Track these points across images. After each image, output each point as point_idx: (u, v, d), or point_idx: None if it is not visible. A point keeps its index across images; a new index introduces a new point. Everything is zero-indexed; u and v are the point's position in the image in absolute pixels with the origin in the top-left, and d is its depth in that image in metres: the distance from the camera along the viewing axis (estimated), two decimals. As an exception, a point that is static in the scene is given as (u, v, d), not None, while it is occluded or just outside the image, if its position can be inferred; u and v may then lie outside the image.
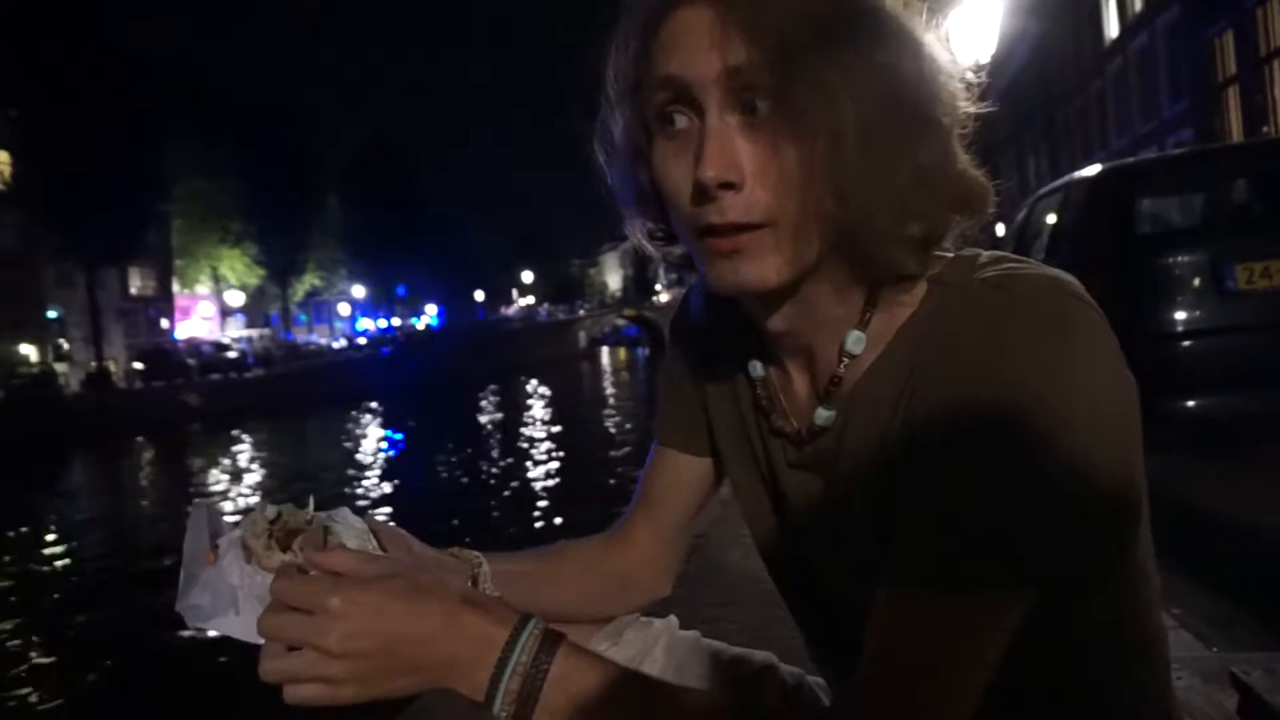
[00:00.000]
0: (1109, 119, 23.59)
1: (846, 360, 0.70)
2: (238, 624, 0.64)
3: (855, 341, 0.69)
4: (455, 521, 10.48)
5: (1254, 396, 4.06)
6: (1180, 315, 4.03)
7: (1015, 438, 0.56)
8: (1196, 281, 4.05)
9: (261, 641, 0.62)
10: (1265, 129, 14.85)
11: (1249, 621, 2.53)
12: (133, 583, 9.24)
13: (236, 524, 0.69)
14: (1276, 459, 4.51)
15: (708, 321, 0.86)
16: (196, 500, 0.71)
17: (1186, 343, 4.02)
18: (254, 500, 14.22)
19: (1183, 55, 18.18)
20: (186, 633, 6.36)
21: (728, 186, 0.61)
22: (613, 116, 0.71)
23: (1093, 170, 5.03)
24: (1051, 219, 5.22)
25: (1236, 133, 15.96)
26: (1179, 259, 4.08)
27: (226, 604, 0.65)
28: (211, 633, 0.66)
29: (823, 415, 0.72)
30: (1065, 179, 5.43)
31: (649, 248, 0.76)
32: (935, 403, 0.61)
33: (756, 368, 0.79)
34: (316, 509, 0.71)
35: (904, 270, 0.65)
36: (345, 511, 0.72)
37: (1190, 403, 3.97)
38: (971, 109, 0.66)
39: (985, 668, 0.59)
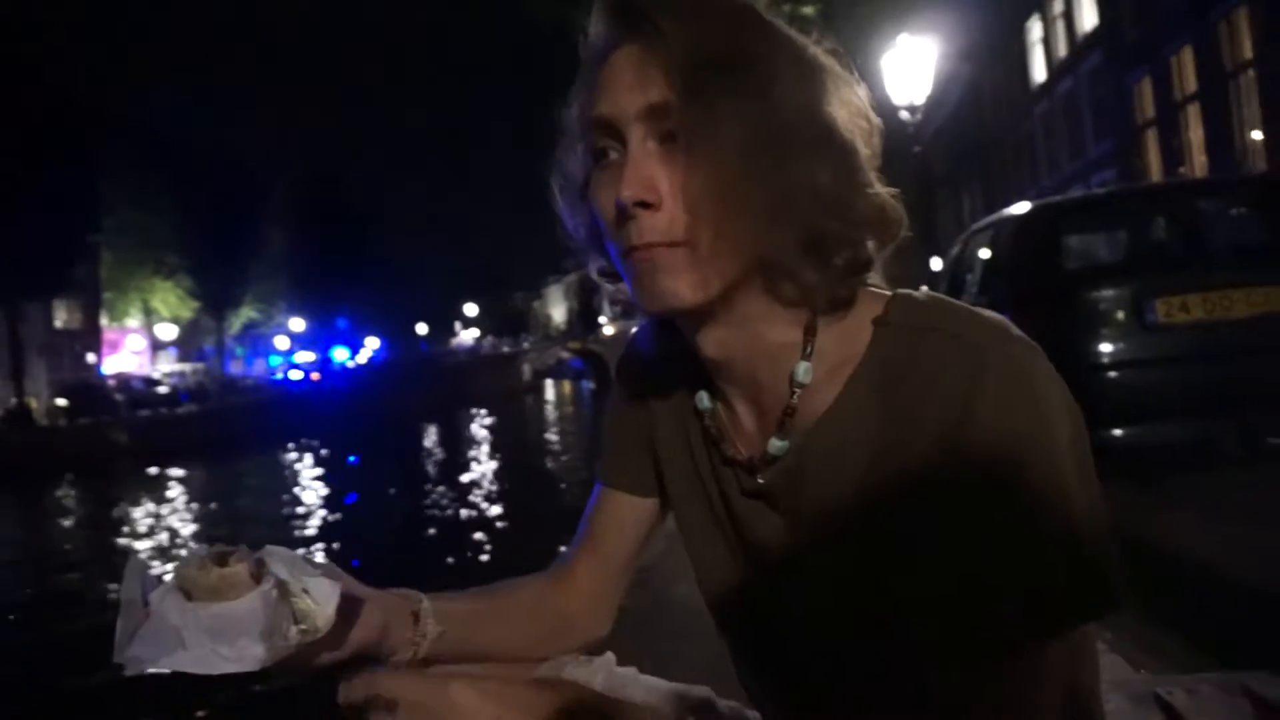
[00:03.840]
0: (1039, 158, 24.52)
1: (798, 390, 0.71)
2: (187, 658, 0.64)
3: (805, 372, 0.70)
4: (399, 560, 10.26)
5: (1177, 426, 4.22)
6: (1106, 348, 4.17)
7: (1026, 486, 0.59)
8: (1120, 315, 4.21)
9: (220, 670, 0.62)
10: (1182, 169, 15.59)
11: (1176, 644, 2.60)
12: (43, 626, 8.82)
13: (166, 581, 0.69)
14: (1200, 487, 4.68)
15: (655, 357, 0.87)
16: (132, 555, 0.71)
17: (1112, 374, 4.16)
18: (181, 540, 13.71)
19: (1105, 99, 19.04)
20: (98, 679, 6.08)
21: (644, 205, 0.66)
22: (567, 154, 0.76)
23: (1022, 208, 5.22)
24: (985, 254, 5.39)
25: (1155, 172, 16.73)
26: (1103, 293, 4.23)
27: (172, 644, 0.65)
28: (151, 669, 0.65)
29: (776, 445, 0.73)
30: (997, 215, 5.61)
31: (606, 285, 0.79)
32: (929, 456, 0.62)
33: (703, 399, 0.80)
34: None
35: (828, 292, 0.68)
36: (270, 547, 0.71)
37: (1117, 432, 4.11)
38: (878, 142, 0.71)
39: (1054, 710, 0.62)
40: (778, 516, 0.74)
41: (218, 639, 0.64)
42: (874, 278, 0.72)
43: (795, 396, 0.71)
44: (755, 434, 0.76)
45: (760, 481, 0.75)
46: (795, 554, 0.72)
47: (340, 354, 67.56)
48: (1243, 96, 13.70)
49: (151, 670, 0.64)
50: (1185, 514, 4.09)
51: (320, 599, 0.67)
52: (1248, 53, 13.42)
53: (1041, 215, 4.97)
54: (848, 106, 0.70)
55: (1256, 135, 13.37)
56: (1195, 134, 15.35)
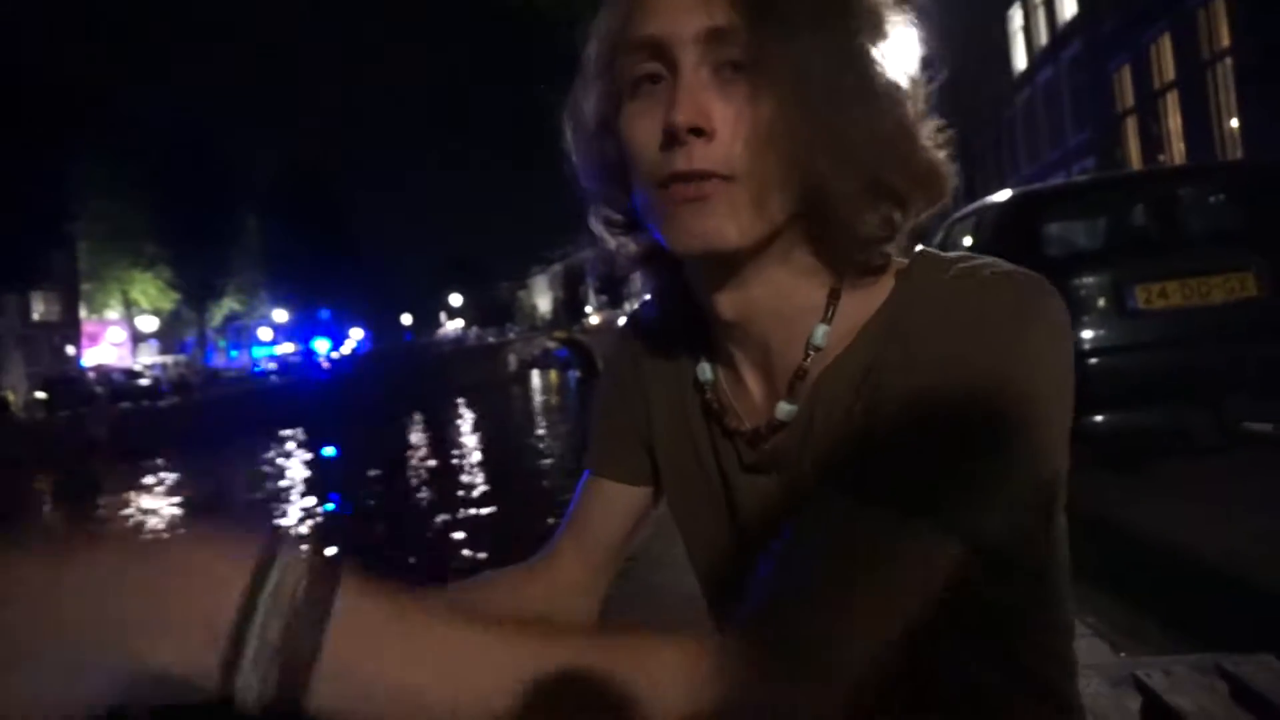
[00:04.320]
0: (1020, 146, 24.64)
1: (812, 354, 0.68)
2: None
3: (823, 336, 0.68)
4: (382, 554, 10.23)
5: (1156, 411, 4.27)
6: (1087, 334, 4.21)
7: (983, 404, 0.58)
8: (1101, 302, 4.25)
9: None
10: (1161, 157, 15.71)
11: (1153, 627, 2.64)
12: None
13: None
14: (1178, 471, 4.74)
15: (654, 334, 0.84)
16: None
17: (1093, 360, 4.20)
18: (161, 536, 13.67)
19: (1086, 87, 19.14)
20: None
21: (698, 133, 0.61)
22: (585, 92, 0.70)
23: (1004, 195, 5.24)
24: (967, 241, 5.41)
25: (1135, 160, 16.85)
26: (1084, 280, 4.27)
27: None
28: None
29: (784, 409, 0.70)
30: (979, 203, 5.64)
31: (608, 238, 0.75)
32: (900, 387, 0.61)
33: (705, 370, 0.77)
34: None
35: (865, 254, 0.65)
36: None
37: (1097, 418, 4.15)
38: (929, 96, 0.68)
39: (903, 613, 0.56)
40: (779, 488, 0.72)
41: None
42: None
43: (809, 359, 0.68)
44: (762, 401, 0.73)
45: (766, 448, 0.72)
46: (796, 514, 0.69)
47: (321, 345, 66.58)
48: (1220, 85, 13.81)
49: None
50: (1163, 498, 4.14)
51: None
52: (1225, 41, 13.52)
53: (1023, 203, 5.00)
54: (909, 53, 0.67)
55: (1234, 123, 13.48)
56: (1174, 122, 15.46)
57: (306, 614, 0.42)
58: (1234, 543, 3.30)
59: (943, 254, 0.68)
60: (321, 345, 66.02)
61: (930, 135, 0.67)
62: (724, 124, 0.61)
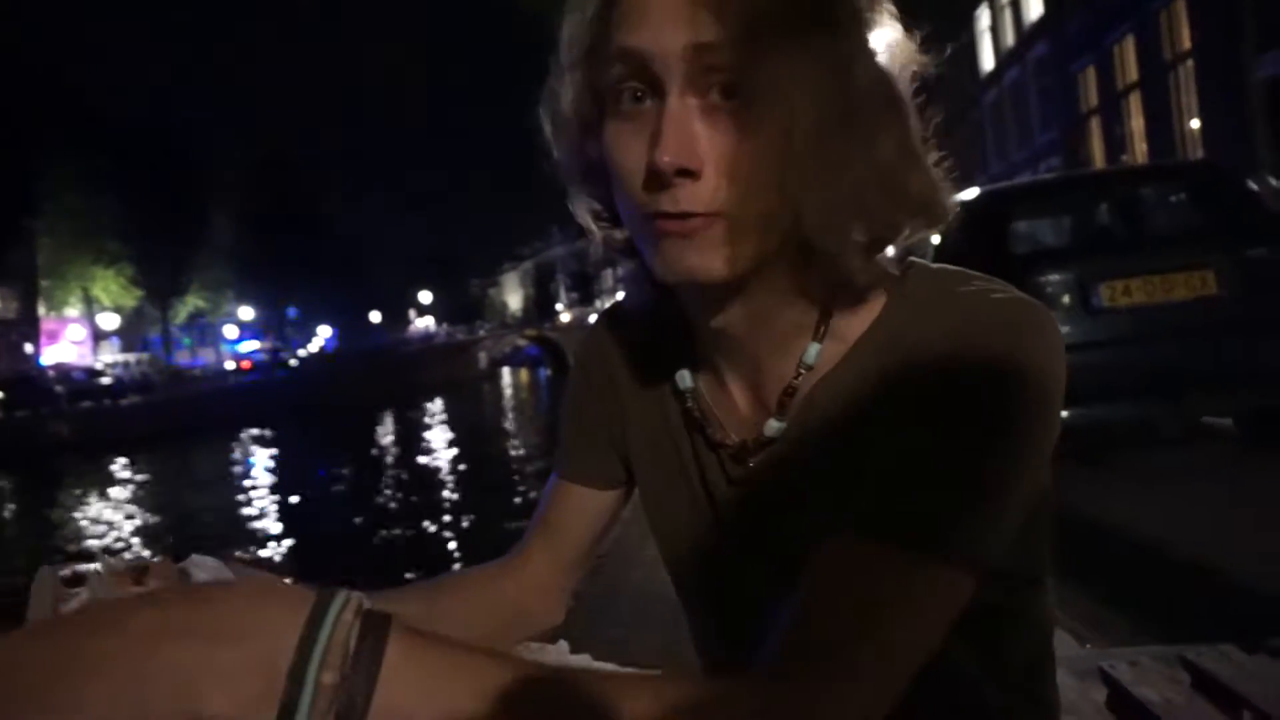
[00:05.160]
0: (987, 146, 24.94)
1: (803, 372, 0.67)
2: None
3: (815, 354, 0.66)
4: (349, 555, 10.12)
5: (1120, 407, 4.34)
6: (1052, 331, 4.27)
7: (992, 433, 0.57)
8: (1066, 299, 4.31)
9: None
10: (1124, 157, 15.98)
11: (1117, 619, 2.68)
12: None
13: (79, 590, 0.65)
14: (1142, 466, 4.82)
15: (631, 336, 0.82)
16: (42, 567, 0.66)
17: (1058, 357, 4.26)
18: (123, 538, 13.36)
19: (1051, 88, 19.42)
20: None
21: (686, 174, 0.58)
22: (562, 83, 0.66)
23: (971, 193, 5.30)
24: (935, 239, 5.47)
25: (1099, 160, 17.12)
26: (1050, 278, 4.33)
27: None
28: None
29: (773, 426, 0.68)
30: (946, 202, 5.70)
31: (593, 228, 0.72)
32: (908, 413, 0.59)
33: (685, 378, 0.75)
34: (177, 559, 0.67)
35: (853, 277, 0.62)
36: (196, 557, 0.68)
37: (1063, 413, 4.20)
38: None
39: (923, 649, 0.55)
40: (766, 503, 0.70)
41: None
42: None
43: (799, 377, 0.67)
44: (748, 415, 0.71)
45: (752, 464, 0.71)
46: (784, 538, 0.67)
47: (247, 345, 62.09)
48: (1182, 86, 14.07)
49: None
50: (1127, 492, 4.21)
51: None
52: (1186, 43, 13.77)
53: (990, 201, 5.07)
54: (907, 66, 0.63)
55: (1195, 124, 13.74)
56: (1136, 123, 15.74)
57: (360, 662, 0.42)
58: (1196, 535, 3.36)
59: (937, 267, 0.67)
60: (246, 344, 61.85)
61: (931, 153, 0.64)
62: (711, 162, 0.58)
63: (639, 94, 0.60)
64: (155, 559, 0.66)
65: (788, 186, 0.57)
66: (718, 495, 0.74)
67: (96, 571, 0.63)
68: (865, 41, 0.60)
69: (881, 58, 0.61)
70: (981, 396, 0.58)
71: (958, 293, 0.63)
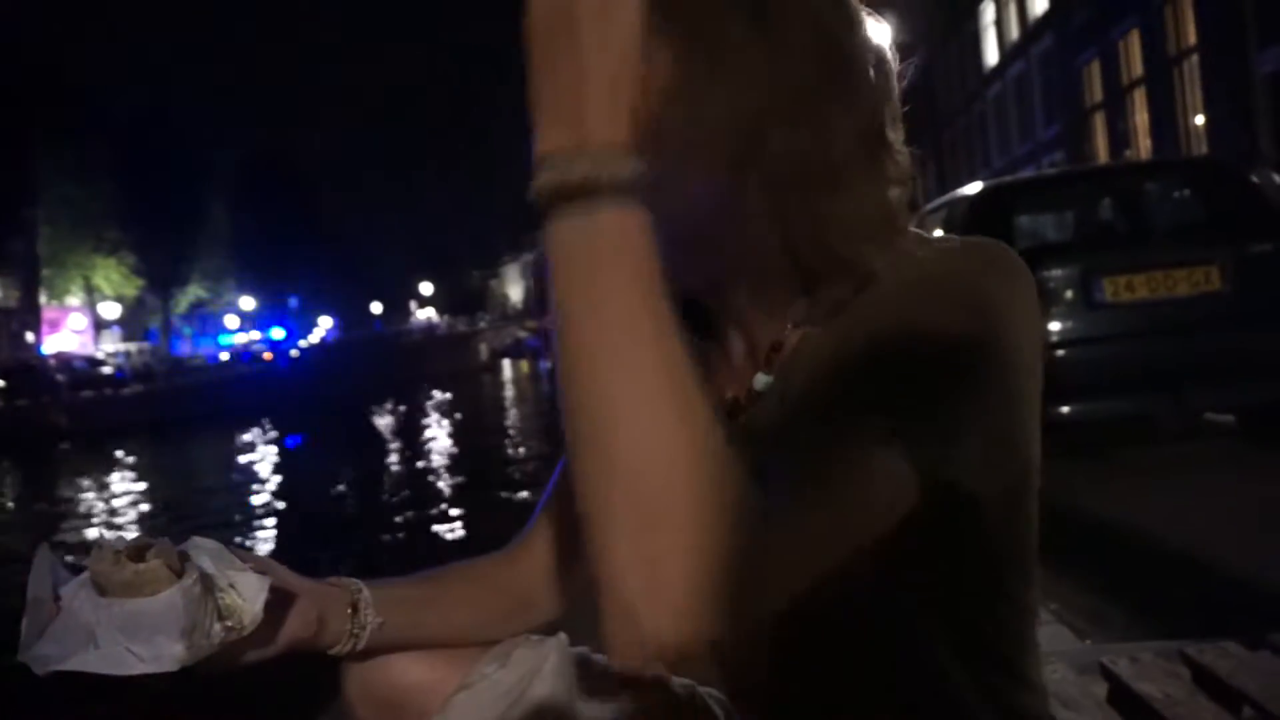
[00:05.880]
0: (990, 140, 24.89)
1: (790, 327, 0.69)
2: (98, 657, 0.61)
3: (803, 310, 0.68)
4: (353, 547, 10.13)
5: (1122, 402, 4.34)
6: (1055, 326, 4.26)
7: (955, 339, 0.59)
8: (1069, 294, 4.29)
9: (133, 670, 0.59)
10: (1128, 152, 15.94)
11: (1118, 614, 2.68)
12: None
13: (79, 571, 0.65)
14: (1143, 461, 4.82)
15: None
16: (41, 545, 0.66)
17: (1061, 352, 4.25)
18: (121, 527, 13.40)
19: (1055, 82, 19.36)
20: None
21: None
22: None
23: (975, 188, 5.28)
24: (938, 233, 5.46)
25: (1103, 155, 17.08)
26: (1053, 273, 4.31)
27: (82, 642, 0.61)
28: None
29: (761, 380, 0.70)
30: (950, 196, 5.68)
31: None
32: (870, 323, 0.62)
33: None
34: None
35: (833, 244, 0.64)
36: (197, 539, 0.68)
37: (1065, 408, 4.20)
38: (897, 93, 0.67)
39: (851, 535, 0.56)
40: (760, 451, 0.72)
41: (132, 637, 0.61)
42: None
43: (787, 331, 0.69)
44: (742, 372, 0.73)
45: (742, 419, 0.72)
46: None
47: (276, 333, 63.22)
48: (1186, 81, 14.02)
49: (59, 669, 0.61)
50: (1127, 487, 4.21)
51: (247, 595, 0.65)
52: (1191, 38, 13.72)
53: (993, 195, 5.04)
54: (874, 52, 0.66)
55: (1199, 120, 13.70)
56: (1141, 118, 15.69)
57: None
58: (1198, 531, 3.36)
59: (928, 237, 0.68)
60: (276, 334, 62.56)
61: (898, 133, 0.66)
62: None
63: None
64: (158, 539, 0.66)
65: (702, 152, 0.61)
66: None
67: (97, 546, 0.63)
68: (838, 20, 0.64)
69: (856, 37, 0.64)
70: (948, 312, 0.60)
71: (935, 242, 0.66)
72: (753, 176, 0.62)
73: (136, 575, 0.62)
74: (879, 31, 0.67)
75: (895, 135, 0.66)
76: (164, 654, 0.61)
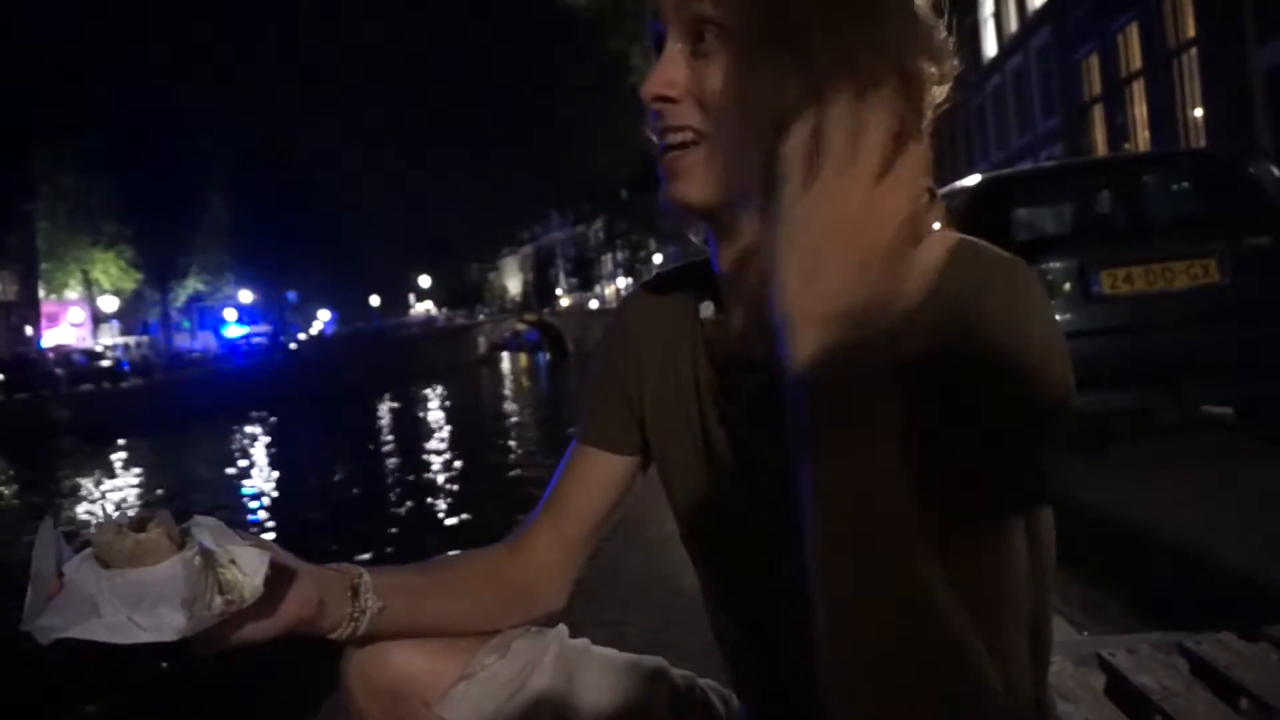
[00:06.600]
0: (989, 132, 24.83)
1: None
2: (101, 626, 0.61)
3: None
4: (350, 537, 10.14)
5: (1120, 395, 4.34)
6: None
7: (1045, 369, 0.65)
8: (1067, 286, 4.29)
9: (136, 639, 0.60)
10: (1126, 145, 15.92)
11: (1116, 606, 2.69)
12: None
13: (83, 548, 0.66)
14: (1141, 454, 4.82)
15: (655, 306, 0.86)
16: (45, 519, 0.66)
17: (1059, 344, 4.25)
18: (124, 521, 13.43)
19: (1054, 75, 19.32)
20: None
21: (664, 100, 0.67)
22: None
23: (973, 180, 5.27)
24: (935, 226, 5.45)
25: (1101, 148, 17.05)
26: (1051, 265, 4.31)
27: (85, 612, 0.62)
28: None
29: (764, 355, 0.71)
30: (948, 188, 5.67)
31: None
32: (950, 342, 0.62)
33: (707, 308, 0.78)
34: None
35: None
36: (199, 517, 0.69)
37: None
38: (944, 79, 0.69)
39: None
40: (758, 437, 0.73)
41: (135, 607, 0.61)
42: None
43: None
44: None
45: (744, 402, 0.73)
46: (777, 473, 0.66)
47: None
48: (1185, 74, 13.99)
49: (61, 638, 0.61)
50: (1127, 480, 4.22)
51: (248, 569, 0.65)
52: (1190, 31, 13.69)
53: (991, 188, 5.03)
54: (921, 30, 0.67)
55: (1197, 113, 13.68)
56: (1139, 111, 15.66)
57: None
58: (1196, 524, 3.37)
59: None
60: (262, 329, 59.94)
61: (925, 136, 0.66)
62: (688, 91, 0.66)
63: (660, 45, 0.69)
64: (158, 512, 0.66)
65: (745, 114, 0.62)
66: (715, 438, 0.77)
67: (98, 523, 0.64)
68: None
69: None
70: (1036, 348, 0.66)
71: (947, 235, 0.68)
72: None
73: (138, 545, 0.63)
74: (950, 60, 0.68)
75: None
76: (166, 624, 0.61)
